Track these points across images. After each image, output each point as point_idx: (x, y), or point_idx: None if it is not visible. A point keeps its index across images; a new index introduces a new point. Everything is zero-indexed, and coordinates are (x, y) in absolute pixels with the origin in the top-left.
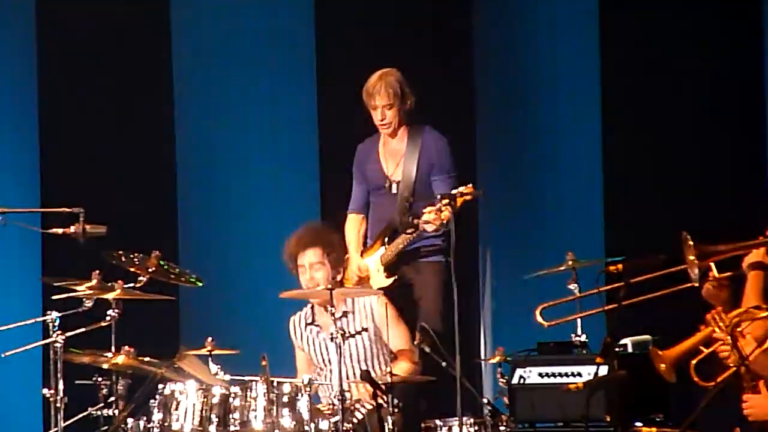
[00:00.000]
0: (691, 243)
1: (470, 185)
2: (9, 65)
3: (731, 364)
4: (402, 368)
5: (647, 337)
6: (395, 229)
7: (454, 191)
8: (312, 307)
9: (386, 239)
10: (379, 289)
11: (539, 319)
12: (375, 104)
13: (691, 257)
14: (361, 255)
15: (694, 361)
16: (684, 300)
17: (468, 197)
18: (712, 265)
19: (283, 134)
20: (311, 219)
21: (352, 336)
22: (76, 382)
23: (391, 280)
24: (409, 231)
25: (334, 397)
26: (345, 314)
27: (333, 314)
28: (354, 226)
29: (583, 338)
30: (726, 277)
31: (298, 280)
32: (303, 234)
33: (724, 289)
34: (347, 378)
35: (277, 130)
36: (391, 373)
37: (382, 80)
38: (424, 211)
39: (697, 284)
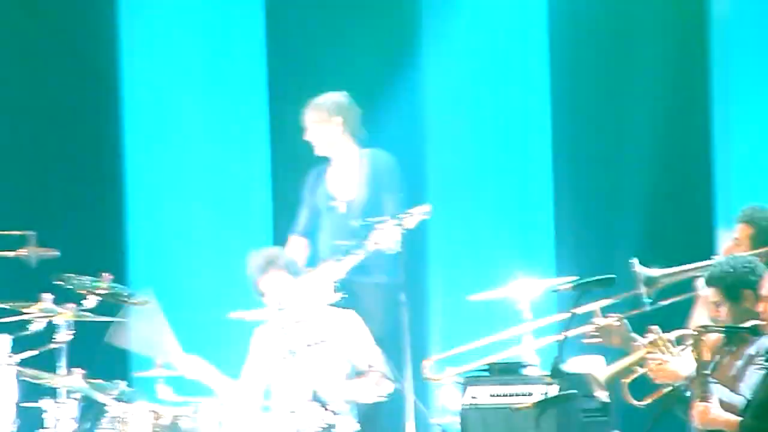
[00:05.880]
0: (638, 269)
1: (425, 205)
2: None
3: (661, 383)
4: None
5: (599, 356)
6: (346, 248)
7: (406, 211)
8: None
9: (338, 257)
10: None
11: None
12: (311, 124)
13: (641, 284)
14: (309, 274)
15: (626, 381)
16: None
17: (423, 217)
18: (598, 310)
19: (234, 150)
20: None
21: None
22: (22, 404)
23: (337, 296)
24: (359, 250)
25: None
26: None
27: (284, 331)
28: (294, 248)
29: (534, 358)
30: (619, 318)
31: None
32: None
33: (617, 330)
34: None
35: (227, 144)
36: (340, 393)
37: (320, 101)
38: (376, 229)
39: (648, 308)
